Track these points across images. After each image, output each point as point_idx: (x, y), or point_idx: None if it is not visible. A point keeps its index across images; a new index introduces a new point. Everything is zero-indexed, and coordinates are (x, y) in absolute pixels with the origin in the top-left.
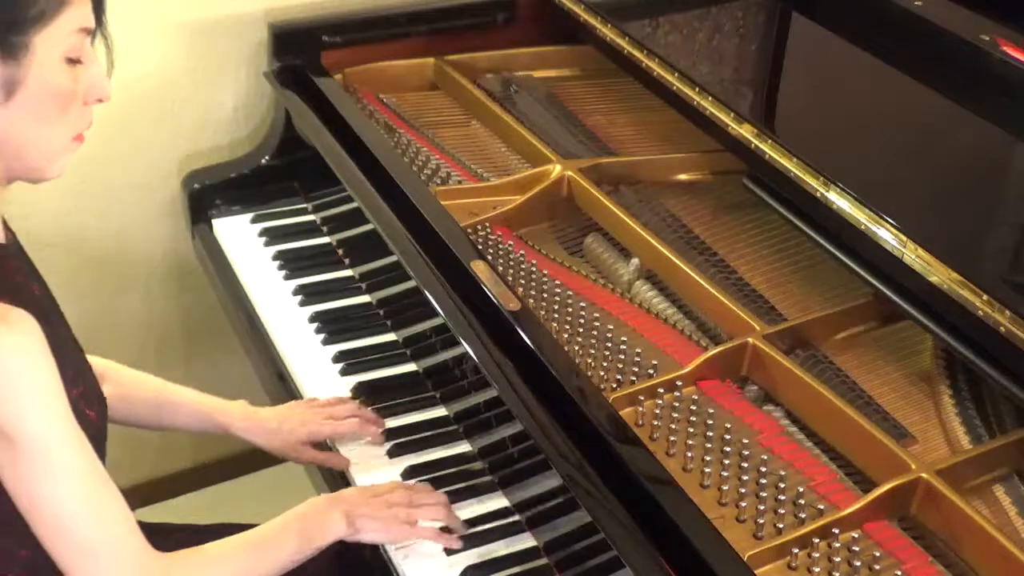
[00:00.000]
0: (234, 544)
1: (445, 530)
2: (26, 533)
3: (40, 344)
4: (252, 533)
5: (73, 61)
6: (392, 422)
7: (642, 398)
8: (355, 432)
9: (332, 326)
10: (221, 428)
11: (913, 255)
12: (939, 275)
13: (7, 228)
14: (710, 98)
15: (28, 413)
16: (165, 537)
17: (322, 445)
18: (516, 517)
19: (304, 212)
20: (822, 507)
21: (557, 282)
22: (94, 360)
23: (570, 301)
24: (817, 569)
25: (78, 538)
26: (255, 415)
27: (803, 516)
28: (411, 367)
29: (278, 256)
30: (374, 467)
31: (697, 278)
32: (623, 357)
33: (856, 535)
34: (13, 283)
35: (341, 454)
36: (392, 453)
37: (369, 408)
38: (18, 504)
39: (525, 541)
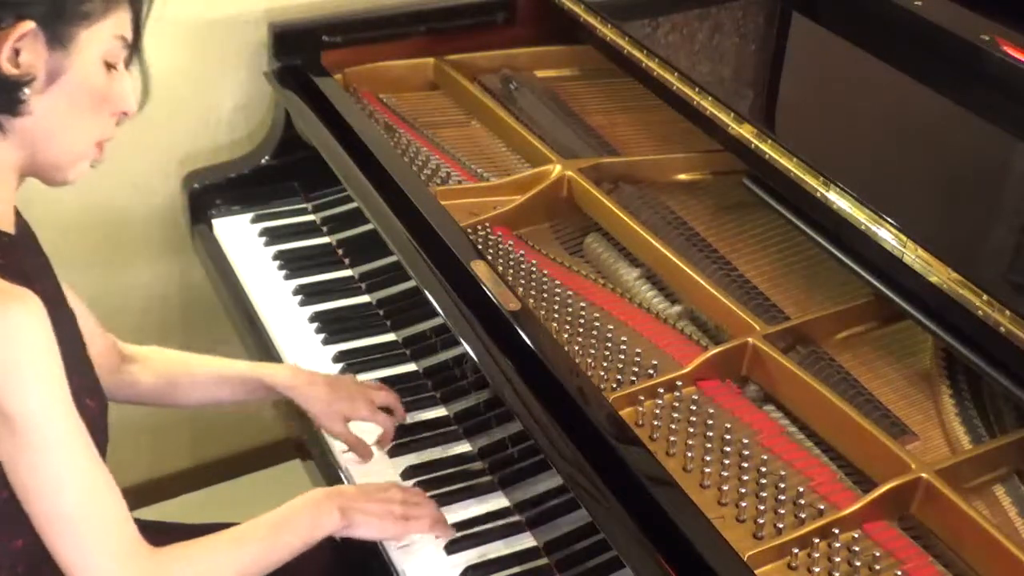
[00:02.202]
0: (230, 538)
1: None
2: (20, 522)
3: (44, 325)
4: (247, 526)
5: (110, 66)
6: None
7: (642, 398)
8: (384, 427)
9: (332, 326)
10: (271, 391)
11: (913, 255)
12: (939, 275)
13: (19, 218)
14: (710, 98)
15: (28, 391)
16: (161, 535)
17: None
18: (516, 517)
19: (304, 212)
20: (822, 507)
21: (557, 282)
22: (130, 347)
23: (570, 301)
24: (817, 569)
25: (71, 524)
26: (307, 374)
27: (803, 516)
28: (411, 367)
29: (278, 256)
30: (374, 466)
31: (697, 278)
32: (623, 357)
33: (856, 535)
34: (20, 269)
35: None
36: (392, 453)
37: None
38: (14, 484)
39: (525, 541)
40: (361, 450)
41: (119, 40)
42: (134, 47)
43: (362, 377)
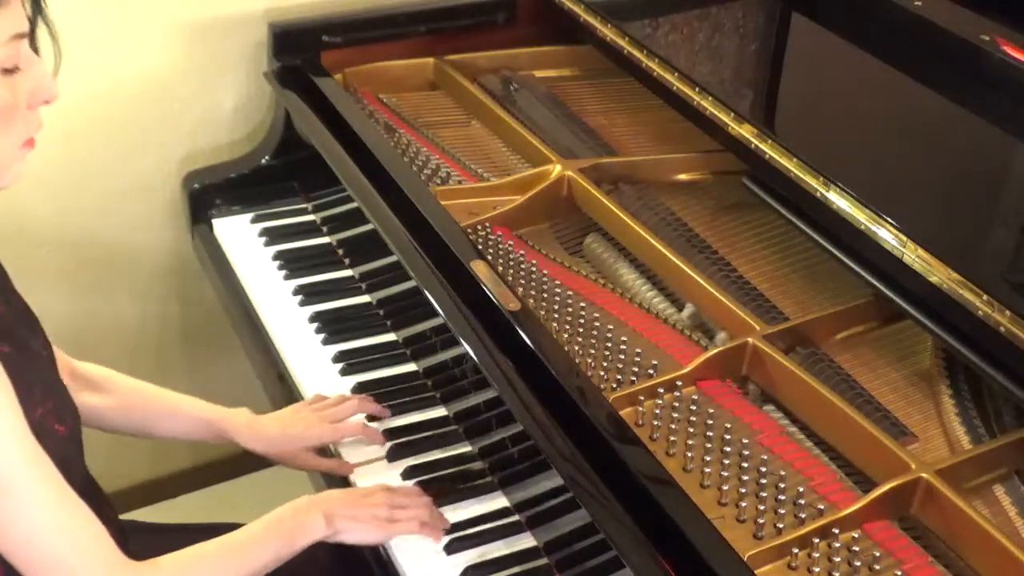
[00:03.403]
0: (214, 548)
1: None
2: None
3: None
4: (233, 536)
5: (9, 71)
6: (392, 422)
7: (642, 398)
8: (357, 434)
9: (332, 326)
10: (222, 436)
11: (913, 255)
12: (939, 275)
13: None
14: (710, 98)
15: None
16: (160, 537)
17: (325, 449)
18: (516, 517)
19: (304, 212)
20: (822, 507)
21: (557, 282)
22: (92, 369)
23: (570, 301)
24: (817, 569)
25: (53, 559)
26: (256, 423)
27: (803, 516)
28: (411, 367)
29: (278, 256)
30: (374, 468)
31: (697, 278)
32: (623, 357)
33: (856, 535)
34: None
35: (344, 460)
36: (392, 453)
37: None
38: None
39: (525, 541)
40: (341, 468)
41: (14, 41)
42: (33, 32)
43: (362, 377)
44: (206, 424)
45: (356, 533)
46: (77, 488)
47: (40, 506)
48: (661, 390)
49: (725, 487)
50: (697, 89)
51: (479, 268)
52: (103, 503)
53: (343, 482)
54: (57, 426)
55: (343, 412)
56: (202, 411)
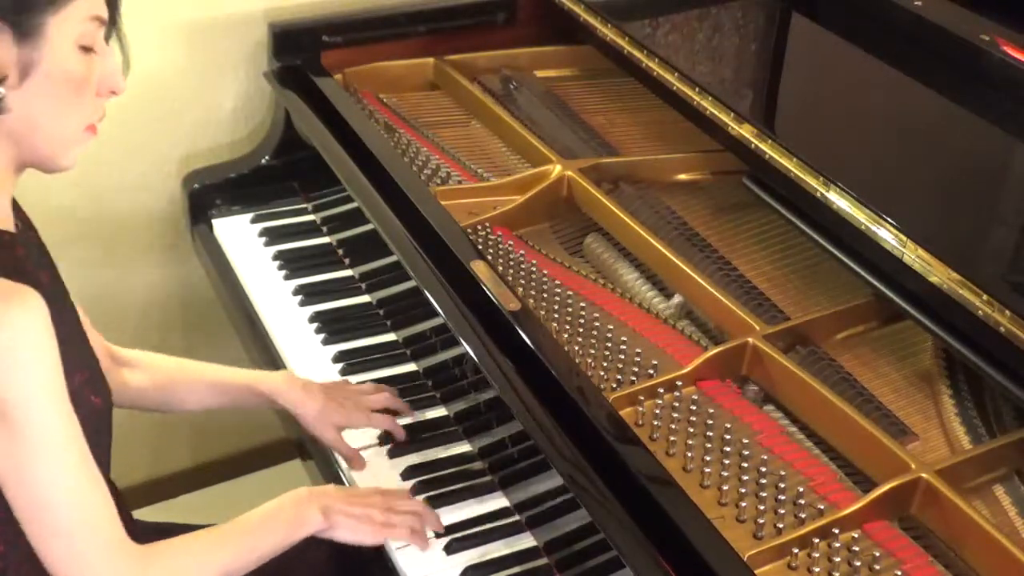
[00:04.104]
0: (213, 535)
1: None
2: (4, 528)
3: (45, 323)
4: (231, 524)
5: (87, 49)
6: None
7: (642, 398)
8: (385, 428)
9: (332, 326)
10: (264, 398)
11: (913, 255)
12: (939, 275)
13: (19, 215)
14: (710, 98)
15: (27, 391)
16: (162, 536)
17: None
18: (516, 517)
19: (304, 212)
20: (822, 507)
21: (557, 282)
22: (124, 351)
23: (570, 301)
24: (817, 569)
25: (57, 521)
26: (301, 381)
27: (803, 516)
28: (411, 367)
29: (278, 256)
30: (374, 467)
31: (697, 278)
32: (623, 357)
33: (856, 535)
34: (19, 267)
35: (355, 449)
36: (392, 453)
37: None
38: (3, 480)
39: (525, 541)
40: (355, 461)
41: (93, 21)
42: (111, 23)
43: (362, 377)
44: (247, 388)
45: (350, 531)
46: (98, 464)
47: (61, 468)
48: (661, 390)
49: (725, 487)
50: (697, 89)
51: (479, 268)
52: (114, 490)
53: (342, 481)
54: (94, 397)
55: (377, 401)
56: (239, 377)
